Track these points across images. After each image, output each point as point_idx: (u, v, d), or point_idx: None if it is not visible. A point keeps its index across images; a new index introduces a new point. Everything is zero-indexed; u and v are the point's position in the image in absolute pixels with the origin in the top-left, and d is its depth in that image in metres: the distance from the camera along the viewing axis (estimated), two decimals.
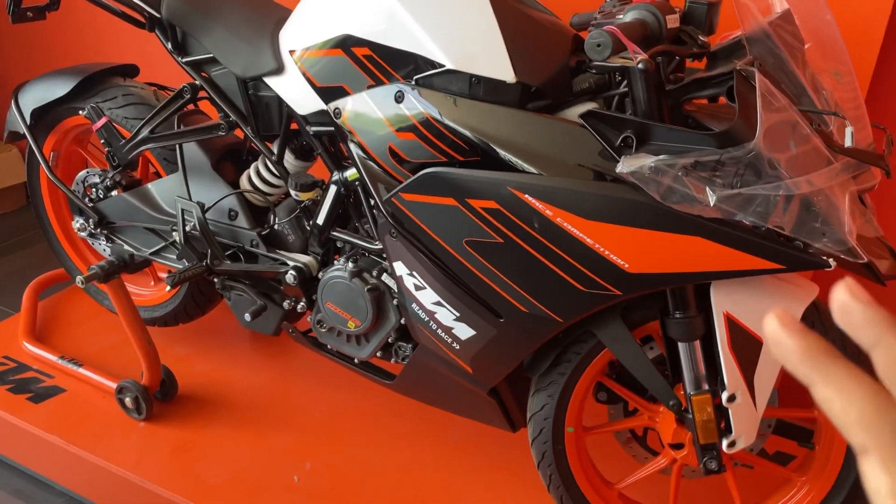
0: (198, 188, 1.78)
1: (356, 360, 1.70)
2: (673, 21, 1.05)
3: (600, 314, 1.38)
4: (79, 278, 1.78)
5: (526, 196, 1.20)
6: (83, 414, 1.98)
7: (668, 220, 1.13)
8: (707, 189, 1.07)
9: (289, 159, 1.67)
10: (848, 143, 1.04)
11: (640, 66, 0.93)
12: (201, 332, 2.28)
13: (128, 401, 1.93)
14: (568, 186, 1.18)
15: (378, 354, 1.66)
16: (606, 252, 1.19)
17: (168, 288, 1.69)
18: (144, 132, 1.74)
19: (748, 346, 1.30)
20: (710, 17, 1.08)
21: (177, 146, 1.78)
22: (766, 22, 1.08)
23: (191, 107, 1.80)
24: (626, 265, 1.19)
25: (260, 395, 2.07)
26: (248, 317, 1.68)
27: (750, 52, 1.07)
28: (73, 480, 1.93)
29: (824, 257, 1.12)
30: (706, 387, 1.35)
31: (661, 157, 1.08)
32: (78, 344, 2.23)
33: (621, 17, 1.11)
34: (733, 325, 1.29)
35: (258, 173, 1.74)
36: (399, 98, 1.33)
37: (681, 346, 1.34)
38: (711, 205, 1.07)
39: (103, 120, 1.77)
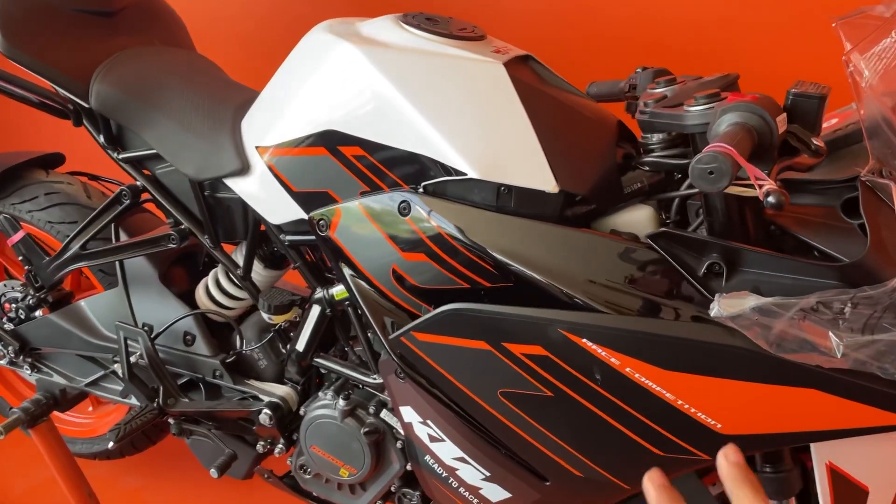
0: (143, 306, 1.46)
1: None
2: (782, 123, 0.79)
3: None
4: None
5: (584, 341, 0.93)
6: None
7: (774, 371, 0.87)
8: (831, 335, 0.81)
9: (257, 268, 1.37)
10: None
11: (770, 198, 0.68)
12: (159, 454, 1.93)
13: None
14: (640, 328, 0.91)
15: None
16: (693, 410, 0.92)
17: (110, 445, 1.35)
18: (74, 248, 1.41)
19: (854, 499, 1.05)
20: (820, 113, 0.83)
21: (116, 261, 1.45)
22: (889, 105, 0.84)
23: None
24: (719, 425, 0.92)
25: None
26: (214, 472, 1.35)
27: (873, 151, 0.83)
28: None
29: None
30: None
31: (772, 298, 0.82)
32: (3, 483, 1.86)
33: (694, 108, 0.86)
34: (837, 477, 1.03)
35: (217, 285, 1.43)
36: (404, 209, 1.05)
37: None
38: (839, 356, 0.81)
39: (20, 234, 1.43)
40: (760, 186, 0.69)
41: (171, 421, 1.42)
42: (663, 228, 0.90)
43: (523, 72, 1.08)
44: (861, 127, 0.83)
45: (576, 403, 0.97)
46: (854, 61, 0.77)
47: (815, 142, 0.82)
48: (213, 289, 1.43)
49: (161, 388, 1.39)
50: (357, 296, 1.12)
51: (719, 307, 0.84)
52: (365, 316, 1.13)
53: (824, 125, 0.94)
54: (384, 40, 1.08)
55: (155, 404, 1.38)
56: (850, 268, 0.81)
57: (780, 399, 0.89)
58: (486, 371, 1.00)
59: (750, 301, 0.83)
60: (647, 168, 0.98)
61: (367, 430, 1.25)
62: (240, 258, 1.34)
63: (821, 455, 1.01)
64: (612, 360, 0.92)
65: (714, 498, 1.10)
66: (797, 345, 0.83)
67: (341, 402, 1.27)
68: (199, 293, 1.46)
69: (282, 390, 1.37)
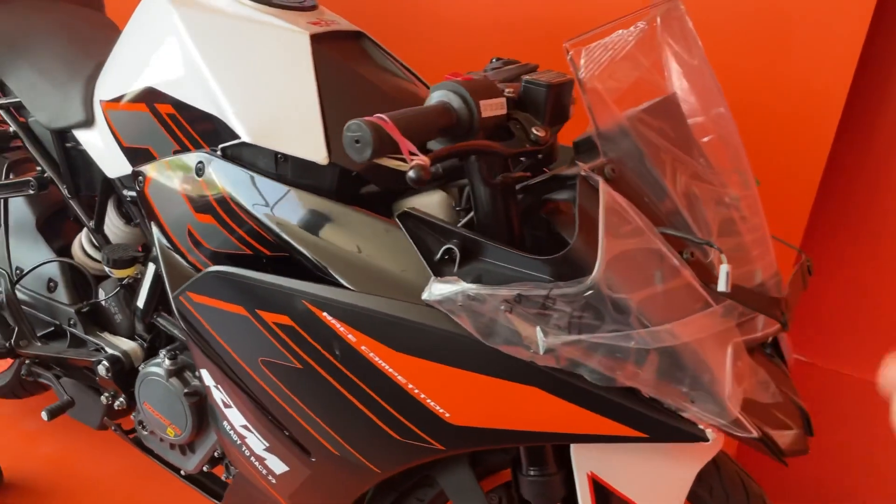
0: (20, 252, 1.50)
1: (182, 472, 1.40)
2: (496, 107, 0.77)
3: (447, 459, 1.10)
4: None
5: (324, 315, 0.92)
6: None
7: (495, 364, 0.85)
8: (538, 331, 0.79)
9: (117, 224, 1.39)
10: (721, 286, 0.75)
11: (411, 173, 0.66)
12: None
13: None
14: (375, 307, 0.89)
15: (205, 468, 1.37)
16: (423, 396, 0.90)
17: None
18: None
19: None
20: (551, 102, 0.80)
21: (0, 200, 1.51)
22: (633, 113, 0.81)
23: None
24: (448, 415, 0.90)
25: (102, 490, 1.76)
26: (44, 414, 1.39)
27: (603, 151, 0.80)
28: None
29: (702, 427, 0.84)
30: None
31: (476, 285, 0.80)
32: None
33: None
34: (600, 489, 1.00)
35: (88, 239, 1.46)
36: (199, 170, 1.06)
37: None
38: (541, 353, 0.79)
39: None
40: (411, 160, 0.67)
41: (22, 366, 1.46)
42: (408, 210, 0.89)
43: (336, 46, 1.07)
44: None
45: (322, 379, 0.96)
46: (575, 55, 0.75)
47: (535, 130, 0.79)
48: (85, 241, 1.47)
49: (16, 329, 1.43)
50: (160, 255, 1.13)
51: (430, 290, 0.83)
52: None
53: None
54: (208, 5, 1.10)
55: (7, 344, 1.42)
56: (554, 262, 0.79)
57: (504, 394, 0.86)
58: (247, 337, 1.01)
59: (456, 286, 0.81)
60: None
61: (187, 391, 1.26)
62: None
63: (581, 463, 0.98)
64: (350, 336, 0.91)
65: (485, 498, 1.08)
66: (506, 336, 0.80)
67: (167, 362, 1.28)
68: (74, 245, 1.50)
69: (127, 345, 1.40)
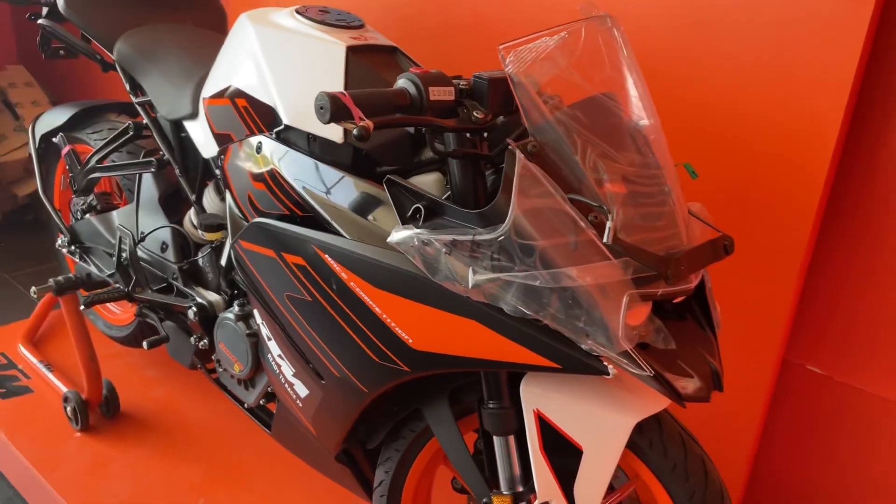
0: (145, 219, 1.89)
1: (245, 405, 1.71)
2: (444, 93, 1.01)
3: (430, 392, 1.32)
4: (33, 289, 1.93)
5: (326, 256, 1.19)
6: (35, 416, 2.12)
7: (443, 299, 1.07)
8: (470, 270, 1.01)
9: (213, 198, 1.74)
10: (605, 238, 0.94)
11: (354, 131, 0.91)
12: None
13: (69, 410, 2.05)
14: (360, 251, 1.15)
15: (262, 402, 1.67)
16: (392, 324, 1.14)
17: (81, 307, 1.80)
18: (92, 162, 1.89)
19: (566, 452, 1.18)
20: (492, 93, 1.03)
21: (136, 178, 1.91)
22: (556, 104, 1.02)
23: None
24: (411, 340, 1.13)
25: (195, 427, 2.12)
26: (145, 344, 1.75)
27: (531, 133, 1.01)
28: (11, 474, 2.07)
29: (605, 364, 1.01)
30: (519, 489, 1.24)
31: (421, 230, 1.03)
32: (62, 353, 2.41)
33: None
34: (546, 426, 1.18)
35: (195, 211, 1.83)
36: (258, 148, 1.37)
37: (495, 440, 1.24)
38: (469, 287, 1.01)
39: (67, 147, 1.94)
40: (360, 123, 0.92)
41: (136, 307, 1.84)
42: (391, 177, 1.13)
43: (368, 56, 1.35)
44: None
45: (325, 309, 1.22)
46: (506, 54, 0.97)
47: (475, 114, 1.02)
48: (192, 214, 1.83)
49: (134, 279, 1.81)
50: (229, 219, 1.45)
51: (393, 235, 1.07)
52: None
53: None
54: (276, 22, 1.41)
55: (125, 290, 1.80)
56: (482, 215, 1.01)
57: (451, 325, 1.09)
58: (277, 276, 1.29)
59: (409, 232, 1.05)
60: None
61: (248, 332, 1.57)
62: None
63: (528, 399, 1.17)
64: (343, 274, 1.17)
65: (464, 443, 1.28)
66: (446, 274, 1.03)
67: (237, 309, 1.60)
68: (185, 217, 1.87)
69: (213, 297, 1.73)
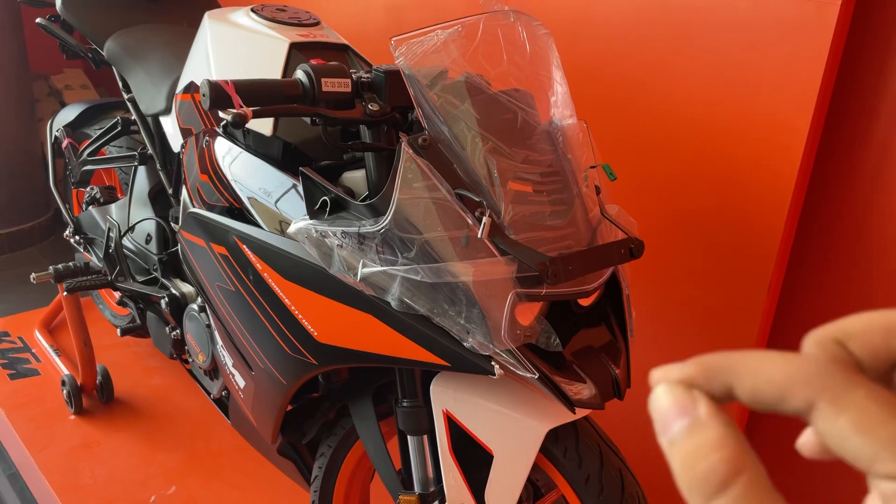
0: (136, 212, 1.96)
1: (211, 395, 1.74)
2: (339, 85, 1.01)
3: (356, 389, 1.32)
4: (33, 275, 2.03)
5: (244, 247, 1.20)
6: (37, 397, 2.23)
7: (343, 292, 1.07)
8: (360, 263, 1.01)
9: None
10: (479, 233, 0.92)
11: (229, 118, 0.92)
12: None
13: (65, 393, 2.14)
14: (272, 242, 1.16)
15: (224, 393, 1.70)
16: (300, 316, 1.15)
17: (63, 293, 1.87)
18: (85, 154, 1.97)
19: (476, 455, 1.16)
20: (388, 85, 1.03)
21: (131, 172, 1.99)
22: (447, 101, 1.01)
23: None
24: (316, 333, 1.14)
25: (182, 416, 2.18)
26: (119, 331, 1.81)
27: (426, 128, 1.00)
28: (11, 451, 2.17)
29: (492, 364, 0.99)
30: (431, 489, 1.22)
31: (311, 222, 1.04)
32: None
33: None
34: (455, 427, 1.16)
35: None
36: (206, 142, 1.40)
37: (409, 439, 1.23)
38: (357, 280, 1.00)
39: (66, 141, 2.04)
40: (240, 110, 0.93)
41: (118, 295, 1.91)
42: (302, 169, 1.14)
43: (314, 53, 1.36)
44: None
45: (244, 299, 1.24)
46: (396, 46, 0.97)
47: (370, 105, 1.02)
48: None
49: (118, 268, 1.88)
50: (180, 209, 1.49)
51: (292, 226, 1.08)
52: None
53: None
54: (230, 20, 1.45)
55: (108, 278, 1.87)
56: (371, 207, 1.00)
57: (349, 318, 1.08)
58: (209, 265, 1.31)
59: (303, 224, 1.05)
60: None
61: (206, 323, 1.61)
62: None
63: (437, 399, 1.16)
64: (258, 265, 1.19)
65: (382, 441, 1.27)
66: (339, 266, 1.03)
67: (199, 300, 1.64)
68: (171, 211, 1.93)
69: (187, 288, 1.78)
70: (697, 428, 0.27)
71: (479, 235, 0.93)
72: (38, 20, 1.94)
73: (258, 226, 1.22)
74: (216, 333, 1.46)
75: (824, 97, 1.39)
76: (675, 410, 0.27)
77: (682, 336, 1.67)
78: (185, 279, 1.84)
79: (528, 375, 0.97)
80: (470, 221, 0.96)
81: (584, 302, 1.07)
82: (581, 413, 1.12)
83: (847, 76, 1.41)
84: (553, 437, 1.14)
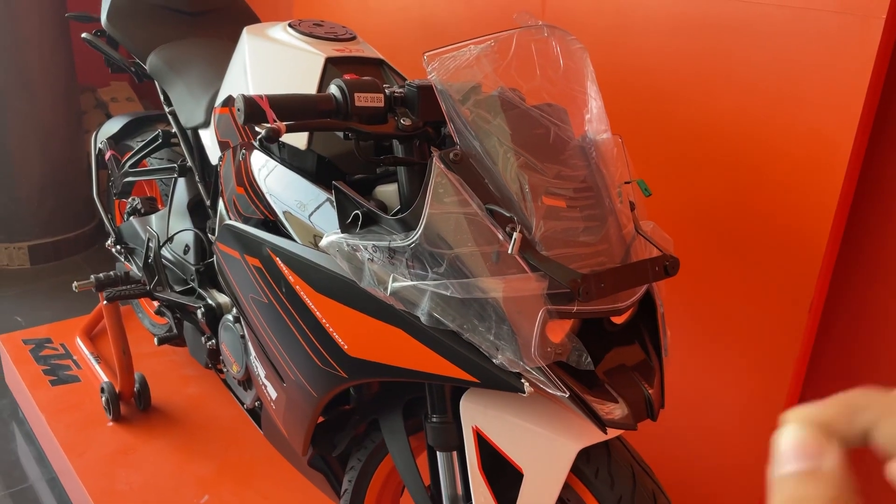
0: (175, 223, 2.00)
1: (245, 406, 1.76)
2: (372, 100, 1.01)
3: (387, 403, 1.32)
4: (75, 283, 2.07)
5: (277, 259, 1.21)
6: (77, 403, 2.27)
7: (372, 306, 1.07)
8: (391, 277, 1.01)
9: None
10: (510, 249, 0.91)
11: (263, 132, 0.93)
12: None
13: (103, 400, 2.18)
14: (305, 255, 1.17)
15: (257, 404, 1.71)
16: (331, 329, 1.15)
17: (104, 302, 1.91)
18: (126, 166, 2.01)
19: (506, 473, 1.15)
20: (422, 100, 1.03)
21: (172, 184, 2.02)
22: (481, 116, 1.00)
23: None
24: (346, 346, 1.14)
25: (216, 425, 2.20)
26: (156, 340, 1.83)
27: (457, 142, 1.00)
28: (50, 456, 2.22)
29: (522, 381, 0.98)
30: None
31: (344, 236, 1.04)
32: None
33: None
34: (485, 444, 1.15)
35: None
36: (243, 156, 1.42)
37: (438, 455, 1.22)
38: (388, 294, 1.00)
39: (109, 153, 2.08)
40: (275, 125, 0.94)
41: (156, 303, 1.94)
42: (335, 182, 1.14)
43: (349, 68, 1.37)
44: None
45: (277, 312, 1.25)
46: (430, 61, 0.97)
47: (403, 121, 1.02)
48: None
49: (157, 278, 1.91)
50: (217, 222, 1.51)
51: (323, 240, 1.08)
52: None
53: None
54: (268, 35, 1.47)
55: (146, 288, 1.91)
56: (402, 221, 1.00)
57: (380, 332, 1.08)
58: (243, 277, 1.33)
59: (335, 237, 1.06)
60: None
61: (241, 334, 1.62)
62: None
63: (467, 415, 1.15)
64: (290, 277, 1.19)
65: (412, 456, 1.26)
66: (369, 282, 1.03)
67: (234, 310, 1.65)
68: (209, 222, 1.96)
69: (223, 299, 1.80)
70: (814, 478, 0.25)
71: (509, 251, 0.92)
72: (83, 35, 1.99)
73: (292, 239, 1.23)
74: (250, 344, 1.47)
75: (869, 112, 1.35)
76: (798, 451, 0.26)
77: (717, 357, 1.63)
78: (221, 290, 1.86)
79: (559, 394, 0.96)
80: (501, 237, 0.95)
81: (618, 320, 1.06)
82: (613, 433, 1.11)
83: (892, 90, 1.37)
84: (584, 456, 1.12)
